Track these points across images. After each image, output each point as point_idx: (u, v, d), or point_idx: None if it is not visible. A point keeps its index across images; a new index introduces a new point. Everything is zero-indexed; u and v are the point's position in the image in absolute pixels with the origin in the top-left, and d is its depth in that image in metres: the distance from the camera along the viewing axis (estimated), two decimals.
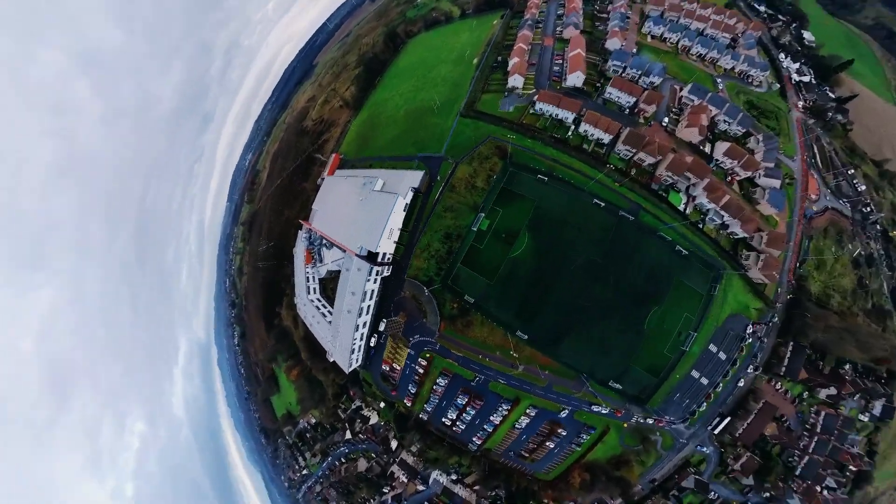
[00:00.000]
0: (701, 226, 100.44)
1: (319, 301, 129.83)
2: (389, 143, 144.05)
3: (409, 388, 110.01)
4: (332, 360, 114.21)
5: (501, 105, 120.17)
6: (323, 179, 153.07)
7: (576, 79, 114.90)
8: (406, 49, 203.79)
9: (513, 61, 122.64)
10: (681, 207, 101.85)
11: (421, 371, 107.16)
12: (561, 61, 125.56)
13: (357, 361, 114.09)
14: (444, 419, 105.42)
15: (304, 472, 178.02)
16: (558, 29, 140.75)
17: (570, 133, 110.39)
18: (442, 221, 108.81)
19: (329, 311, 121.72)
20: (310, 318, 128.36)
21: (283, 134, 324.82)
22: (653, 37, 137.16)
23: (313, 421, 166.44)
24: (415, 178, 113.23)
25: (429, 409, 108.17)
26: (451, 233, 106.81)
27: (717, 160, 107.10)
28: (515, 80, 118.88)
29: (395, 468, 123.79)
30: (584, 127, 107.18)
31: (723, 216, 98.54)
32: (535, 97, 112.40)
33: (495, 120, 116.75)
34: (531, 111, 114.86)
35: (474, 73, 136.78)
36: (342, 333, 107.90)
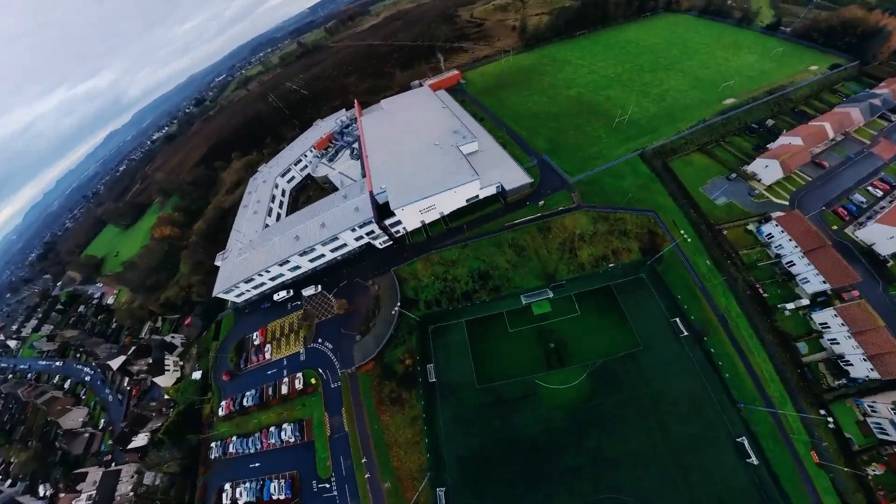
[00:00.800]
0: None
1: (283, 195, 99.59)
2: (524, 116, 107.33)
3: (249, 395, 67.96)
4: (218, 263, 79.99)
5: (710, 186, 72.74)
6: (420, 85, 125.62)
7: (885, 237, 59.89)
8: (651, 21, 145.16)
9: (788, 139, 73.12)
10: None
11: (285, 391, 64.56)
12: (882, 193, 70.02)
13: (239, 297, 77.36)
14: (226, 486, 59.30)
15: (13, 343, 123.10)
16: None
17: (791, 307, 56.84)
18: (494, 254, 70.85)
19: (279, 216, 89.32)
20: (252, 199, 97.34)
21: (428, 0, 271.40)
22: None
23: (110, 301, 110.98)
24: (514, 178, 77.23)
25: (231, 450, 64.20)
26: (492, 278, 68.52)
27: None
28: (767, 168, 69.90)
29: (95, 473, 72.40)
30: (827, 317, 53.07)
31: None
32: (777, 214, 62.55)
33: (683, 196, 70.36)
34: (750, 226, 65.03)
35: (712, 116, 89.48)
36: (263, 253, 74.52)
